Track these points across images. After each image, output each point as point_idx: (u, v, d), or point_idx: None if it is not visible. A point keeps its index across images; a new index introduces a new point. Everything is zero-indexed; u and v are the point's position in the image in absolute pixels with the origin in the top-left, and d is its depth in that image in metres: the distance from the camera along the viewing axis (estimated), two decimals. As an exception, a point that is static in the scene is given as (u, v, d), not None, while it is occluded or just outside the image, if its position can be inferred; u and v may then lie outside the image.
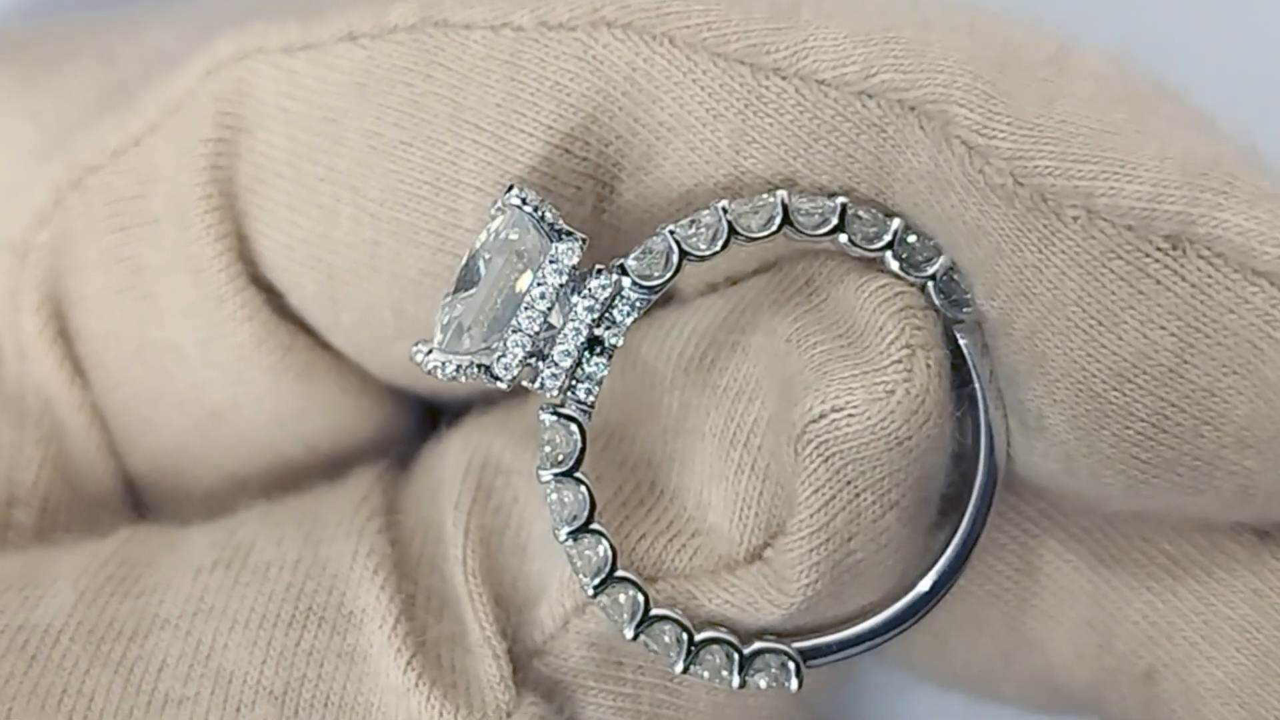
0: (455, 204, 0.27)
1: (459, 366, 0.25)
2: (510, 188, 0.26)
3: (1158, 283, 0.24)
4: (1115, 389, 0.24)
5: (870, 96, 0.25)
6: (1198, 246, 0.24)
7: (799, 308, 0.26)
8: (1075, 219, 0.24)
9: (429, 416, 0.32)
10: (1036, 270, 0.24)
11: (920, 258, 0.26)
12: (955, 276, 0.26)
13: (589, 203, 0.27)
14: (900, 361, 0.25)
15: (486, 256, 0.26)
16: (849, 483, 0.25)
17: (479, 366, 0.25)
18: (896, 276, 0.26)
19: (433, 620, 0.27)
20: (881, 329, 0.25)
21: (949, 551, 0.27)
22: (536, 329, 0.25)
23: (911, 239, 0.26)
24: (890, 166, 0.25)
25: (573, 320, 0.26)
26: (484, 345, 0.26)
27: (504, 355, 0.25)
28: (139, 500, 0.32)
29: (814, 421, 0.25)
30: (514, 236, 0.25)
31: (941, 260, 0.26)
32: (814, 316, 0.26)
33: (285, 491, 0.30)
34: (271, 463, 0.31)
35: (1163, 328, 0.24)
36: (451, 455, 0.29)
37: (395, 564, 0.27)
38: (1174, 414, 0.24)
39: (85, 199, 0.29)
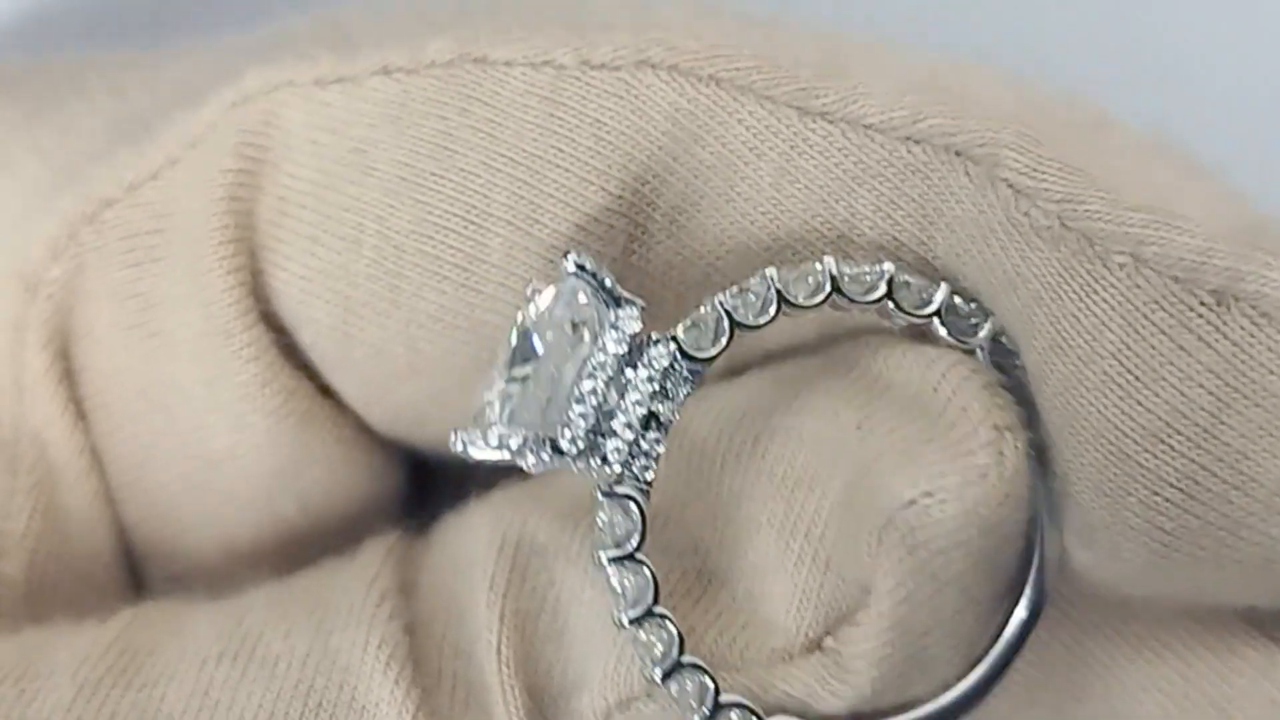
0: (483, 238, 0.27)
1: (519, 444, 0.24)
2: (566, 253, 0.25)
3: (1200, 339, 0.23)
4: (1147, 450, 0.24)
5: (917, 142, 0.25)
6: (1243, 304, 0.23)
7: (862, 393, 0.26)
8: (1121, 266, 0.24)
9: (420, 479, 0.32)
10: (1075, 319, 0.24)
11: (967, 324, 0.25)
12: (1004, 340, 0.25)
13: (619, 242, 0.27)
14: (991, 444, 0.24)
15: (541, 330, 0.25)
16: (933, 575, 0.24)
17: (544, 440, 0.24)
18: (952, 345, 0.25)
19: (458, 710, 0.26)
20: (966, 409, 0.24)
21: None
22: (599, 400, 0.25)
23: (958, 302, 0.25)
24: (933, 215, 0.25)
25: (633, 392, 0.25)
26: (544, 419, 0.24)
27: (568, 427, 0.24)
28: (130, 553, 0.31)
29: (903, 508, 0.24)
30: (570, 305, 0.25)
31: (989, 325, 0.25)
32: (883, 401, 0.25)
33: (279, 557, 0.30)
34: (263, 521, 0.30)
35: (1201, 385, 0.23)
36: (483, 532, 0.27)
37: (410, 651, 0.26)
38: (1205, 478, 0.24)
39: (100, 233, 0.29)
